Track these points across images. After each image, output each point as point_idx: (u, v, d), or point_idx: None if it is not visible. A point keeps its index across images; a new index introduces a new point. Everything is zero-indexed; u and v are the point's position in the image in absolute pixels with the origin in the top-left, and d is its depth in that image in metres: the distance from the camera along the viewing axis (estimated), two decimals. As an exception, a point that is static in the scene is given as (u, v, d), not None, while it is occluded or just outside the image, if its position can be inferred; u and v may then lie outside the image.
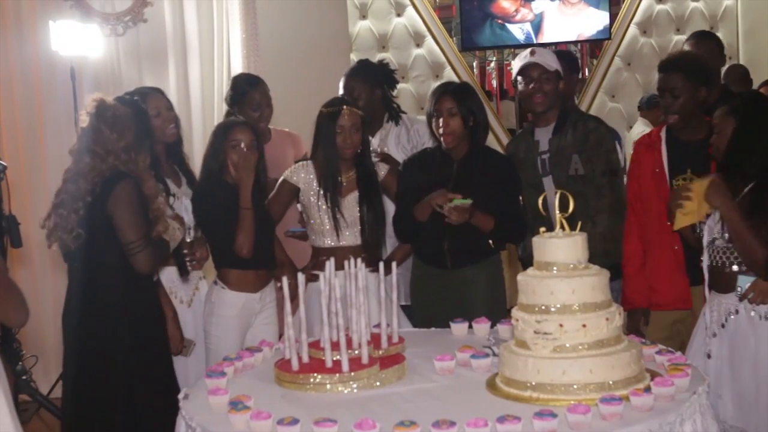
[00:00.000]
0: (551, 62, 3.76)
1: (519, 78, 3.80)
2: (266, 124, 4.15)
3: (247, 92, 4.08)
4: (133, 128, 3.11)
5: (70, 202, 3.04)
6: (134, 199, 3.04)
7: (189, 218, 3.58)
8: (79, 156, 3.08)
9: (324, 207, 3.53)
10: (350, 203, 3.58)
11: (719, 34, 6.74)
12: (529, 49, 3.84)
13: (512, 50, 6.64)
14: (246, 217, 3.37)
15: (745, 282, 2.96)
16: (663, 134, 3.61)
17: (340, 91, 4.18)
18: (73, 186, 3.06)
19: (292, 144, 4.22)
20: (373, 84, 4.15)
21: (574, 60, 4.81)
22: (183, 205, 3.60)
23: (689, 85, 3.47)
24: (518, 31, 6.55)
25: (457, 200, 3.40)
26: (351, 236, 3.57)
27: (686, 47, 4.44)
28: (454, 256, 3.56)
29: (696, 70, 3.54)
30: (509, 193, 3.60)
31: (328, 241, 3.57)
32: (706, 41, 4.45)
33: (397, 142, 4.18)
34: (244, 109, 4.06)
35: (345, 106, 3.55)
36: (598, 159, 3.69)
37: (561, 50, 5.49)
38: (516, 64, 3.88)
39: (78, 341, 3.12)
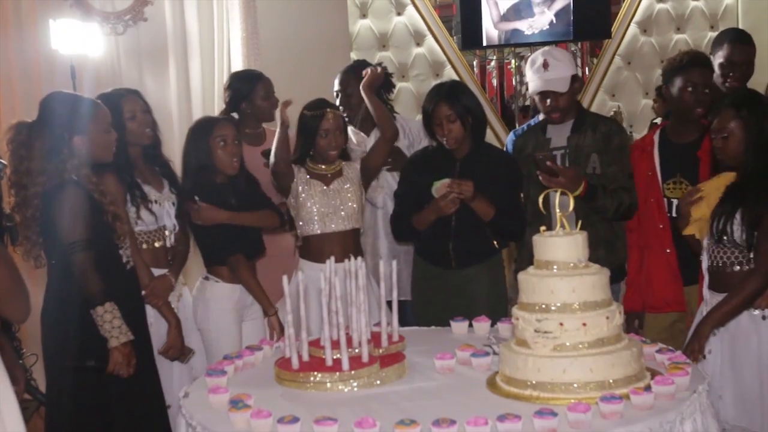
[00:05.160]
0: (565, 72, 3.60)
1: (535, 96, 3.71)
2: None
3: (254, 86, 4.05)
4: (46, 136, 3.01)
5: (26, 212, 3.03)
6: (72, 203, 2.97)
7: (172, 223, 3.51)
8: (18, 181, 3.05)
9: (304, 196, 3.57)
10: (336, 190, 3.58)
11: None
12: (541, 60, 3.62)
13: (512, 49, 6.60)
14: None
15: None
16: (656, 138, 3.60)
17: (335, 88, 4.19)
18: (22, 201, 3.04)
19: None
20: None
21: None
22: (165, 209, 3.51)
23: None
24: None
25: (437, 183, 3.44)
26: (340, 222, 3.57)
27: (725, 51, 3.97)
28: (459, 257, 3.56)
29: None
30: (510, 190, 3.60)
31: (316, 228, 3.57)
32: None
33: None
34: (253, 102, 4.05)
35: (328, 109, 3.57)
36: (622, 161, 3.62)
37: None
38: (529, 78, 3.71)
39: (52, 338, 3.07)
